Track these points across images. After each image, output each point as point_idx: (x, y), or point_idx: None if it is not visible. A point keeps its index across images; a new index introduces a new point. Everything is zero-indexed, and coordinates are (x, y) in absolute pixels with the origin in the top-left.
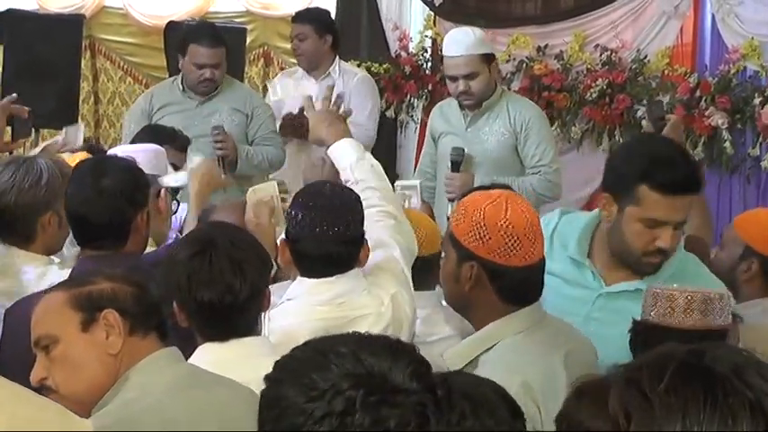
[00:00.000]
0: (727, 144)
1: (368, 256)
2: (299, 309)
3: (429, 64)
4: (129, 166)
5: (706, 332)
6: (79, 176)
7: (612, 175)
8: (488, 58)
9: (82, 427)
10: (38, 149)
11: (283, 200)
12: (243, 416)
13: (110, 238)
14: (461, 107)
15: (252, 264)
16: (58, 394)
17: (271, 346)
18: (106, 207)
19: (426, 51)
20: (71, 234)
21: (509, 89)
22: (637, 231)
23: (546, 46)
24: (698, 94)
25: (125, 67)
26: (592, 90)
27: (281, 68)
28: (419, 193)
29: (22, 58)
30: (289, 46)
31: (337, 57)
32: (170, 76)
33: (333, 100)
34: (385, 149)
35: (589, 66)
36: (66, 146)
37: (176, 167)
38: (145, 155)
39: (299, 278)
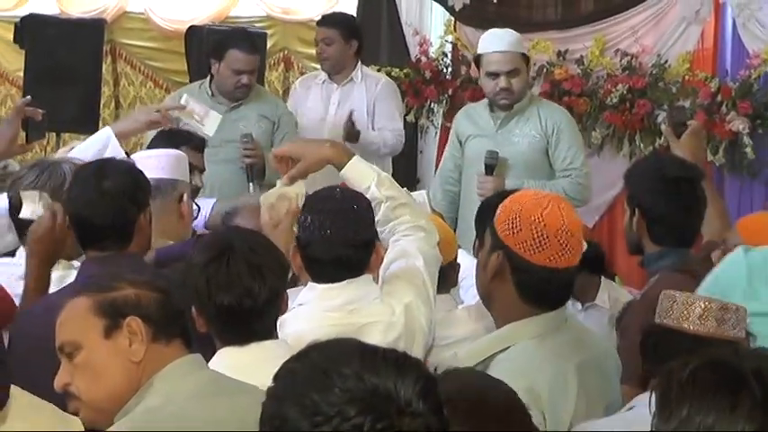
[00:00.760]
0: (749, 149)
1: (380, 262)
2: (310, 314)
3: (449, 69)
4: (130, 167)
5: (718, 341)
6: (81, 179)
7: None
8: (526, 60)
9: None
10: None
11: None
12: None
13: (113, 239)
14: (491, 109)
15: (270, 267)
16: (80, 401)
17: (290, 349)
18: (109, 208)
19: (446, 56)
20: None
21: None
22: None
23: (566, 51)
24: (719, 99)
25: (146, 71)
26: (612, 95)
27: (302, 73)
28: (427, 203)
29: (44, 62)
30: (309, 51)
31: (360, 62)
32: (191, 80)
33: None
34: (406, 154)
35: (609, 71)
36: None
37: (192, 167)
38: (167, 159)
39: (309, 284)
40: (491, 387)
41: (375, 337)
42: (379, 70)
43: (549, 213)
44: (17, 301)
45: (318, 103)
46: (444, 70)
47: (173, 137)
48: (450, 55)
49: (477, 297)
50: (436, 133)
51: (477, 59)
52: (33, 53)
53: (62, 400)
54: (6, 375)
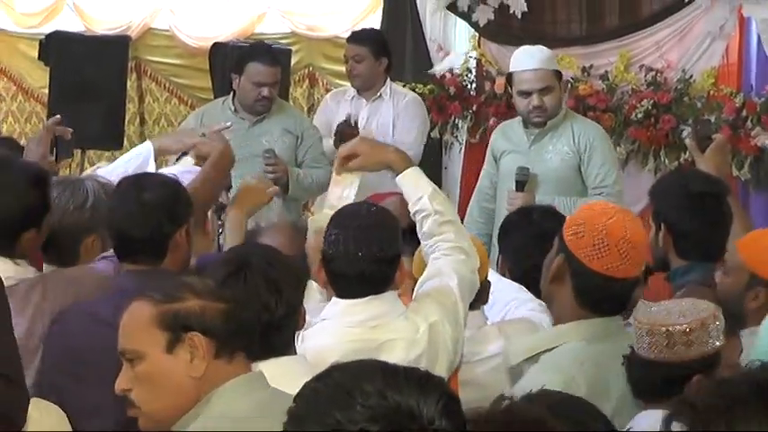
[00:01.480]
0: None
1: (404, 278)
2: (332, 329)
3: (473, 84)
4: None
5: (706, 358)
6: (121, 191)
7: None
8: (559, 76)
9: None
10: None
11: None
12: None
13: (146, 253)
14: (526, 125)
15: (287, 282)
16: (138, 410)
17: (308, 365)
18: (146, 221)
19: (471, 72)
20: None
21: None
22: None
23: (591, 66)
24: (744, 114)
25: (171, 88)
26: (637, 110)
27: (326, 90)
28: None
29: (69, 79)
30: (334, 67)
31: (388, 79)
32: (215, 97)
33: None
34: (430, 170)
35: (634, 86)
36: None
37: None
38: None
39: (333, 299)
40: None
41: (396, 354)
42: (403, 86)
43: (613, 223)
44: None
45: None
46: (468, 86)
47: None
48: (474, 71)
49: (502, 314)
50: (461, 149)
51: (509, 78)
52: (58, 70)
53: (91, 415)
54: (25, 397)
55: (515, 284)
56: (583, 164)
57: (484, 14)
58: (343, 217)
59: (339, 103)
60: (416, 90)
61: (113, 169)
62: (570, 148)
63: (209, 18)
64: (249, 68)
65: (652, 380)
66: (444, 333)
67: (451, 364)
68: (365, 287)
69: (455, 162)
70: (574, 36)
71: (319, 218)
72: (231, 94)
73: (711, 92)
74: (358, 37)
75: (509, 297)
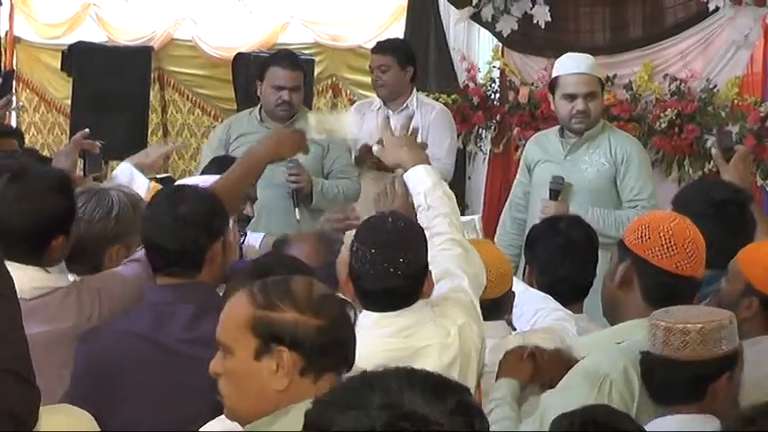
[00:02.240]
0: None
1: (432, 288)
2: (366, 340)
3: (497, 95)
4: (208, 195)
5: (720, 360)
6: (157, 203)
7: None
8: (602, 85)
9: None
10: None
11: None
12: None
13: (183, 266)
14: (561, 134)
15: None
16: (223, 399)
17: None
18: (181, 234)
19: (494, 82)
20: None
21: None
22: None
23: (615, 76)
24: None
25: (193, 98)
26: (661, 120)
27: (350, 100)
28: (477, 229)
29: (92, 90)
30: (357, 77)
31: (414, 89)
32: (238, 107)
33: (410, 130)
34: (454, 180)
35: (658, 95)
36: None
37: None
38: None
39: (364, 311)
40: None
41: (431, 360)
42: (426, 96)
43: (677, 224)
44: None
45: (374, 130)
46: (492, 96)
47: (225, 165)
48: (497, 81)
49: (530, 324)
50: (484, 159)
51: (553, 83)
52: (81, 81)
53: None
54: (37, 396)
55: (541, 294)
56: (619, 176)
57: (507, 24)
58: (368, 232)
59: (364, 115)
60: (440, 100)
61: (120, 186)
62: (607, 160)
63: (231, 28)
64: (269, 73)
65: (674, 380)
66: (471, 333)
67: (480, 361)
68: (395, 301)
69: (479, 172)
70: (597, 45)
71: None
72: (259, 104)
73: (736, 101)
74: (383, 46)
75: (536, 307)
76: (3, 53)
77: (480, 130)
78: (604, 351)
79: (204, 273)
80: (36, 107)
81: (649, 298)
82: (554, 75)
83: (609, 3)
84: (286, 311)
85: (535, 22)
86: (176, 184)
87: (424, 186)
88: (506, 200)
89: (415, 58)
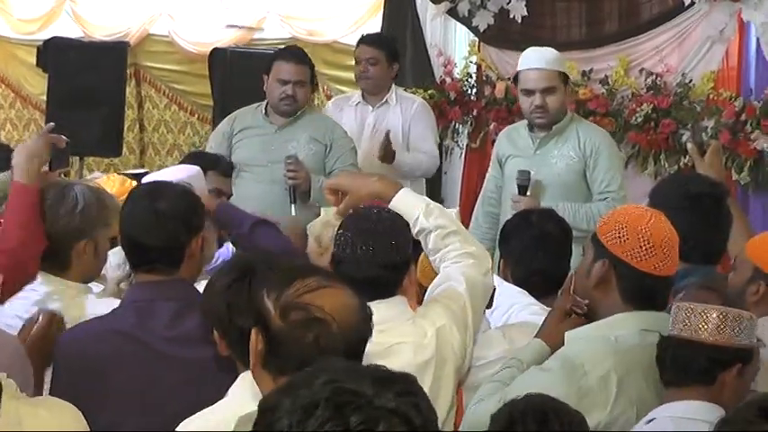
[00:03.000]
0: None
1: (414, 286)
2: None
3: (473, 89)
4: (186, 191)
5: (735, 350)
6: (135, 199)
7: None
8: (564, 78)
9: None
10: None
11: None
12: None
13: (163, 262)
14: (531, 129)
15: None
16: None
17: None
18: (161, 230)
19: (471, 77)
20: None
21: None
22: None
23: (591, 71)
24: (743, 118)
25: (170, 94)
26: (637, 114)
27: (327, 95)
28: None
29: (67, 86)
30: (334, 72)
31: (393, 84)
32: (215, 103)
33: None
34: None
35: (634, 90)
36: None
37: (221, 193)
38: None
39: None
40: None
41: (404, 357)
42: (404, 90)
43: (653, 225)
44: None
45: (353, 124)
46: (469, 91)
47: (200, 159)
48: (474, 76)
49: (504, 318)
50: (461, 154)
51: (516, 77)
52: (56, 76)
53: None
54: None
55: (516, 288)
56: (588, 169)
57: (484, 19)
58: (354, 220)
59: (342, 110)
60: (417, 95)
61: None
62: (576, 153)
63: (208, 23)
64: (275, 66)
65: (688, 361)
66: (451, 338)
67: (459, 368)
68: (373, 291)
69: (455, 167)
70: (573, 40)
71: (317, 222)
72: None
73: (711, 96)
74: (374, 39)
75: (510, 301)
76: None
77: (457, 125)
78: (595, 344)
79: (183, 269)
80: (12, 103)
81: (628, 299)
82: (517, 69)
83: None
84: (268, 300)
85: (511, 16)
86: (147, 178)
87: (419, 210)
88: None
89: (399, 58)
